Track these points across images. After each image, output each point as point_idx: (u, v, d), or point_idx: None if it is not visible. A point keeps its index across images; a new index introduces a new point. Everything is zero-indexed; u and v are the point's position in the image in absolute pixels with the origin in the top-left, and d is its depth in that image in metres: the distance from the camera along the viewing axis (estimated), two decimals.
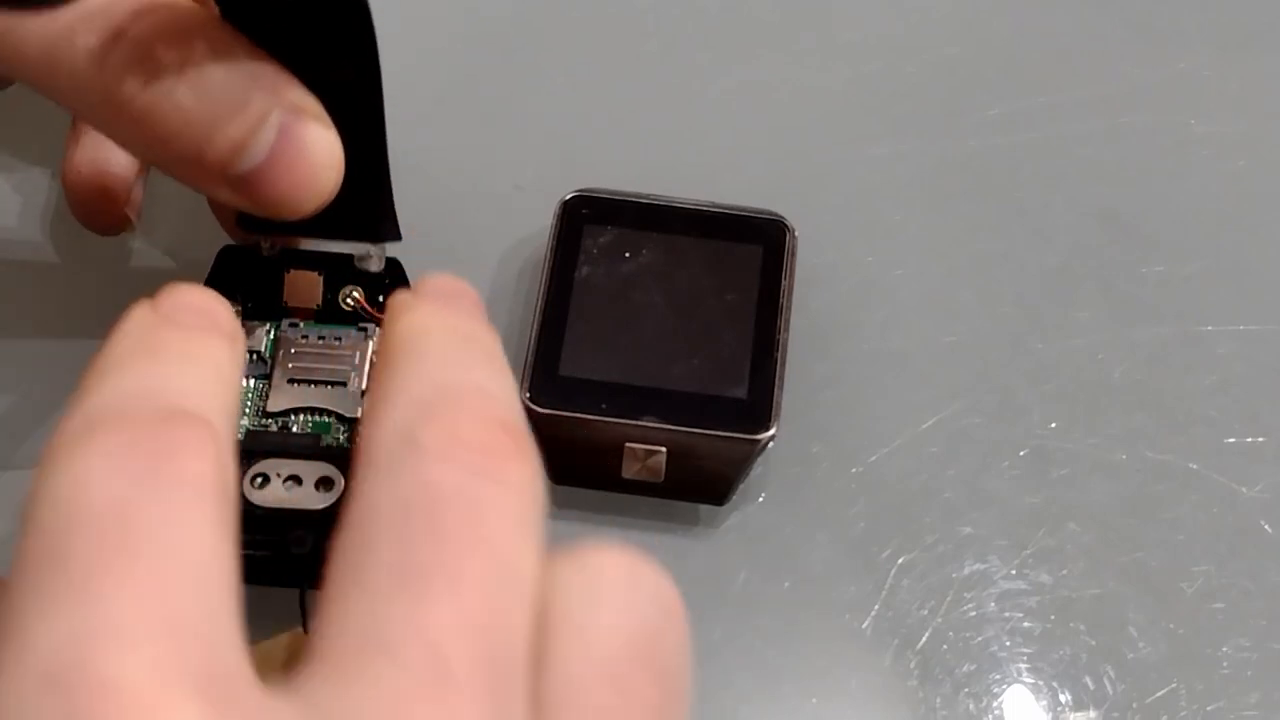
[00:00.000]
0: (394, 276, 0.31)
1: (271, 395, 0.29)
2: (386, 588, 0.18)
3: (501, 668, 0.18)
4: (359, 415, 0.29)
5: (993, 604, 0.31)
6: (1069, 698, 0.30)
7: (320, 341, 0.30)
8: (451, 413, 0.20)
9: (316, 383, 0.29)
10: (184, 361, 0.22)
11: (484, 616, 0.18)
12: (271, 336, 0.30)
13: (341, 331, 0.30)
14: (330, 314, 0.31)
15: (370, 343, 0.31)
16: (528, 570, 0.19)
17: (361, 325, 0.30)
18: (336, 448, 0.28)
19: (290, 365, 0.30)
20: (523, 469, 0.20)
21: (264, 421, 0.29)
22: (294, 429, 0.29)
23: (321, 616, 0.19)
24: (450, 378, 0.22)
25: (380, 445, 0.20)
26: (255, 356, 0.30)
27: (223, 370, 0.23)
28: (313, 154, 0.26)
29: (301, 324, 0.30)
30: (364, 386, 0.30)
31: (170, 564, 0.18)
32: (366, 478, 0.20)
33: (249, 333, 0.30)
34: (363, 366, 0.30)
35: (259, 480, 0.27)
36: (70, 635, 0.17)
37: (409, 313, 0.23)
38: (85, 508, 0.19)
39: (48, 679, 0.17)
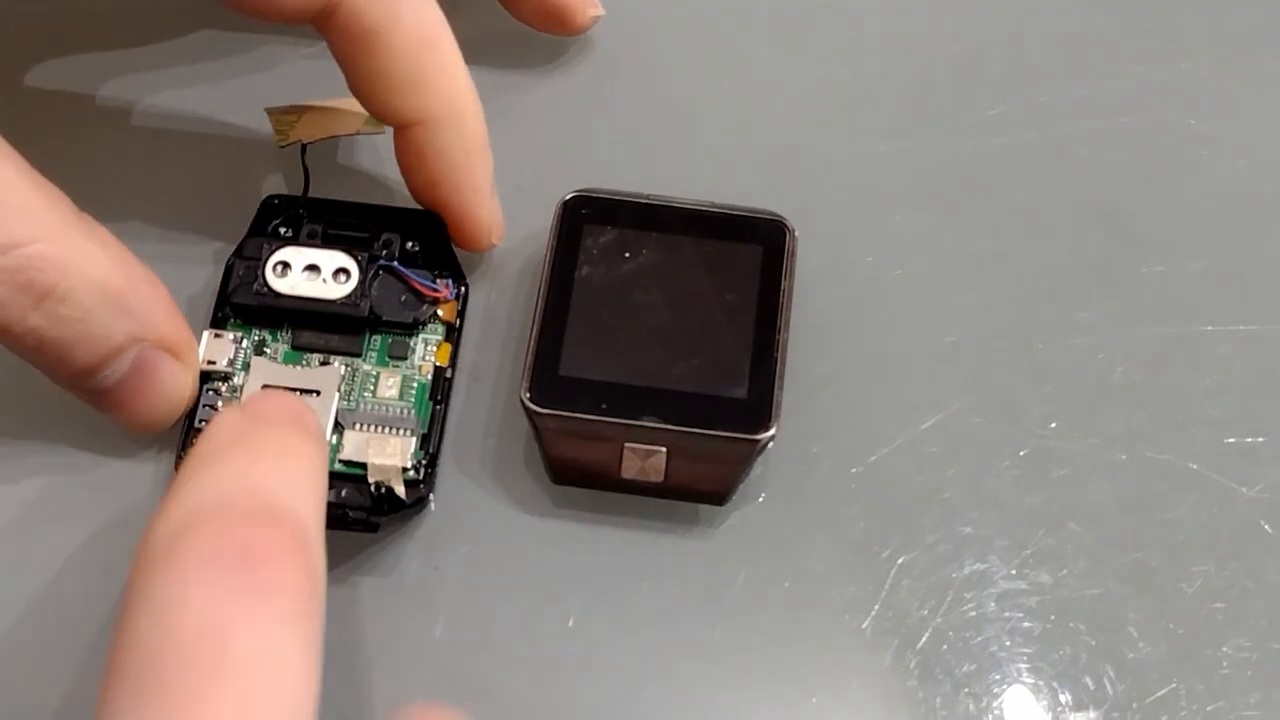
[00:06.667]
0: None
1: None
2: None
3: None
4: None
5: (993, 604, 0.31)
6: (1069, 698, 0.30)
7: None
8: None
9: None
10: (278, 457, 0.23)
11: None
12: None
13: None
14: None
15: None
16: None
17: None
18: None
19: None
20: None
21: None
22: None
23: None
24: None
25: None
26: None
27: (314, 466, 0.24)
28: (161, 387, 0.28)
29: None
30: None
31: (260, 690, 0.19)
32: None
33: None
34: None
35: None
36: None
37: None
38: (183, 628, 0.20)
39: None
